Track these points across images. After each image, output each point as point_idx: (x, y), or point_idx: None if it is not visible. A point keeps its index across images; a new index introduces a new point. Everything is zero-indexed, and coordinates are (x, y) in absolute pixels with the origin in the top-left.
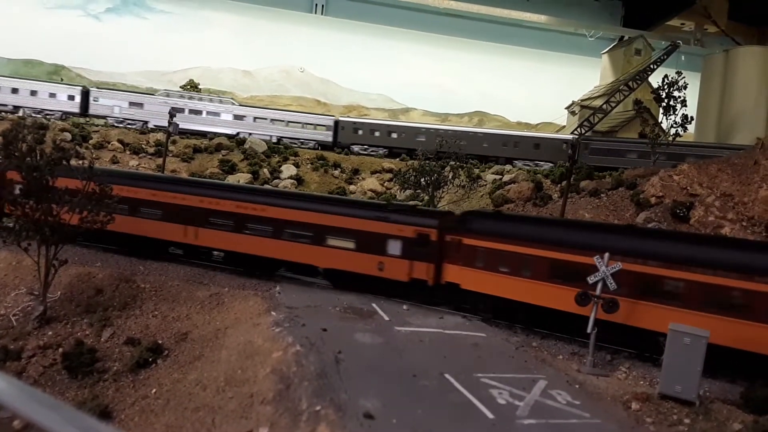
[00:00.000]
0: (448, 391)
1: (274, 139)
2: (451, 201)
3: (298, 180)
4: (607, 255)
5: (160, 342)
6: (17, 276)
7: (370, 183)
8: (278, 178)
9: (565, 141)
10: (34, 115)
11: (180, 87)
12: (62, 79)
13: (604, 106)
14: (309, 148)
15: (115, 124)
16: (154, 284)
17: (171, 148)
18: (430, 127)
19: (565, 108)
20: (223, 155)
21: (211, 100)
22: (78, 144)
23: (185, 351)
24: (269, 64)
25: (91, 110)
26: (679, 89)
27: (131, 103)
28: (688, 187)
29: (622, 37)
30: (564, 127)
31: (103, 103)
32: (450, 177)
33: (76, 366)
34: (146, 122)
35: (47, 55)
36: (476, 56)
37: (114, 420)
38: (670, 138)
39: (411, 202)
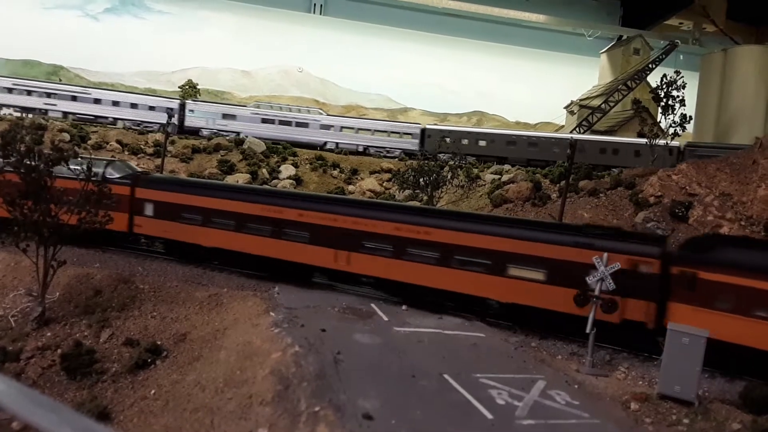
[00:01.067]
0: (447, 391)
1: (360, 148)
2: (449, 201)
3: (297, 180)
4: (605, 255)
5: (158, 343)
6: (16, 277)
7: (368, 183)
8: (277, 178)
9: (671, 149)
10: (134, 128)
11: (179, 87)
12: (60, 80)
13: (603, 105)
14: (394, 157)
15: (210, 135)
16: (153, 285)
17: (169, 148)
18: (521, 134)
19: (564, 107)
20: (221, 155)
21: (299, 111)
22: (76, 144)
23: (184, 352)
24: (268, 64)
25: (187, 122)
26: (677, 89)
27: (224, 115)
28: (687, 187)
29: (621, 36)
30: (563, 126)
31: (199, 116)
32: (449, 177)
33: (74, 367)
34: (238, 133)
35: (46, 56)
36: (475, 56)
37: (113, 421)
38: (669, 138)
39: (411, 202)
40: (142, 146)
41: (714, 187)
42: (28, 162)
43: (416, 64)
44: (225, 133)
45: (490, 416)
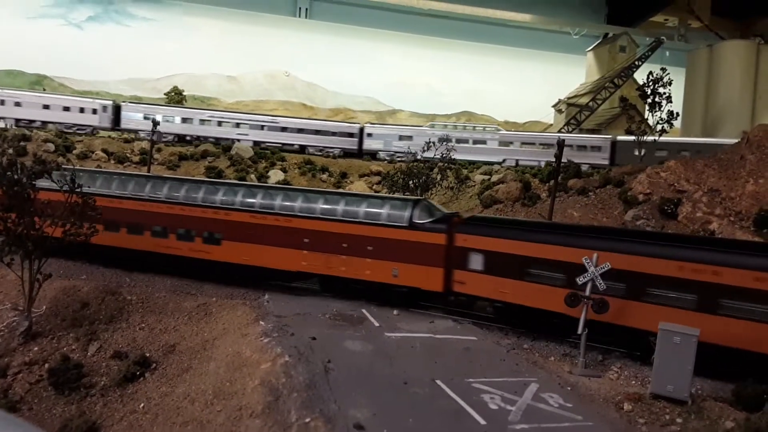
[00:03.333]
0: (440, 397)
1: (542, 164)
2: (439, 203)
3: (286, 185)
4: (596, 255)
5: (147, 355)
6: (1, 291)
7: (358, 186)
8: (266, 183)
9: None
10: (317, 153)
11: (164, 94)
12: (44, 89)
13: (591, 103)
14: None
15: (385, 158)
16: (141, 296)
17: (156, 156)
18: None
19: (552, 106)
20: (209, 162)
21: (474, 128)
22: (61, 154)
23: (173, 363)
24: (254, 68)
25: (365, 146)
26: (664, 85)
27: (401, 137)
28: (676, 184)
29: (607, 34)
30: (551, 125)
31: (377, 139)
32: (438, 179)
33: (62, 382)
34: (414, 154)
35: (29, 66)
36: (462, 56)
37: None
38: (657, 134)
39: None
40: (128, 155)
41: (702, 183)
42: (11, 175)
43: (403, 66)
44: (401, 155)
45: (483, 422)
